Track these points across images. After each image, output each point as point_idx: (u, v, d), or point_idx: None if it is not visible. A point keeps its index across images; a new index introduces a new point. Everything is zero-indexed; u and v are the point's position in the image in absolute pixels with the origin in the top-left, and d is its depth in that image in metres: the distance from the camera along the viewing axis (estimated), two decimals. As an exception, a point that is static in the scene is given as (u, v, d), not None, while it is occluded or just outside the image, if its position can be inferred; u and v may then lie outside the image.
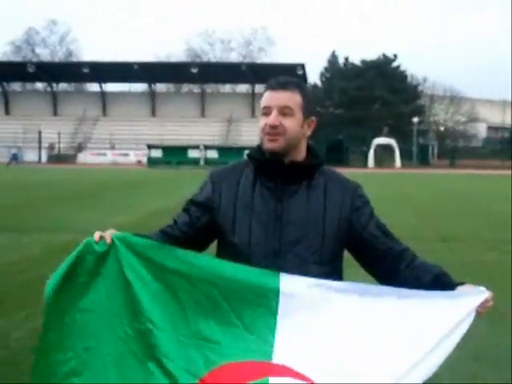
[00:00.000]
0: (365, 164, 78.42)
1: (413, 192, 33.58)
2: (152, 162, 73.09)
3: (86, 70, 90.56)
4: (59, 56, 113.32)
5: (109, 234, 2.96)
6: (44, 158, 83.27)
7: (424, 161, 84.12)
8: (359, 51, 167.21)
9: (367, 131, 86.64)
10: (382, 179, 47.44)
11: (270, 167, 3.15)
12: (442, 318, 2.91)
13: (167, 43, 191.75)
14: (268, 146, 3.13)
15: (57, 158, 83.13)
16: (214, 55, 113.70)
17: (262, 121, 3.15)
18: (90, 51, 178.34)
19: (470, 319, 2.94)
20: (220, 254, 3.21)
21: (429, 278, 3.07)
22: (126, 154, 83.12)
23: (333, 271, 3.14)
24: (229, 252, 3.13)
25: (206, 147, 76.01)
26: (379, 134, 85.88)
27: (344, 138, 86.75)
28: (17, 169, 62.26)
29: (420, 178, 51.94)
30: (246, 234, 3.11)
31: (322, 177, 3.21)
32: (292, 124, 3.12)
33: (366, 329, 2.87)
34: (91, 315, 2.88)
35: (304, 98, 3.17)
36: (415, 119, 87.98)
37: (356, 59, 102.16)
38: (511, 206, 22.95)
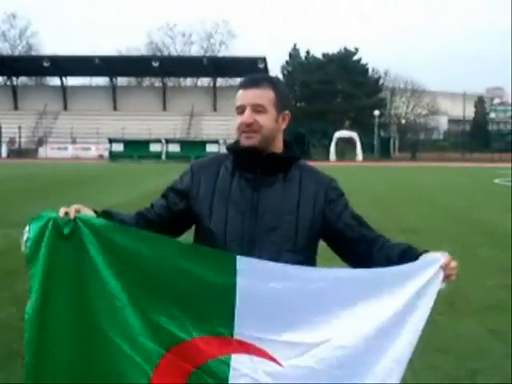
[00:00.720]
0: (326, 157, 78.54)
1: (373, 185, 33.80)
2: (113, 156, 72.60)
3: (46, 64, 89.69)
4: (19, 50, 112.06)
5: (73, 210, 2.99)
6: (4, 153, 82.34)
7: (385, 154, 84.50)
8: (320, 44, 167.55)
9: (329, 124, 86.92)
10: (343, 172, 47.44)
11: (247, 159, 3.24)
12: (399, 288, 2.98)
13: (128, 37, 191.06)
14: (245, 143, 3.22)
15: (17, 152, 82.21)
16: (175, 49, 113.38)
17: (237, 119, 3.23)
18: (51, 45, 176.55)
19: (434, 288, 3.00)
20: (196, 241, 3.31)
21: (396, 254, 3.14)
22: (88, 148, 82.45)
23: (307, 260, 3.22)
24: (205, 239, 3.21)
25: (168, 141, 75.64)
26: (341, 128, 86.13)
27: (306, 131, 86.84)
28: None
29: (381, 170, 52.30)
30: (222, 222, 3.20)
31: (298, 170, 3.32)
32: (266, 120, 3.21)
33: (323, 304, 2.95)
34: (59, 292, 2.92)
35: (277, 94, 3.26)
36: (376, 112, 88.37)
37: (317, 52, 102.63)
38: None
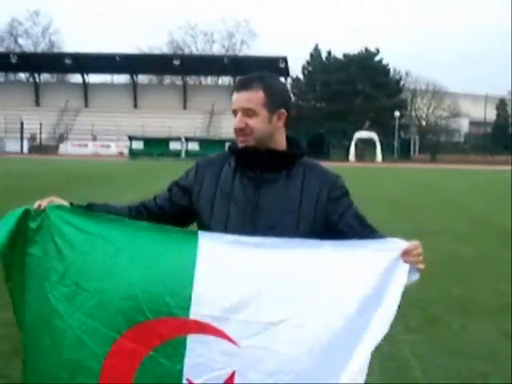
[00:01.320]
0: (346, 158, 78.33)
1: (392, 186, 33.68)
2: (133, 153, 72.71)
3: (68, 61, 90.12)
4: (42, 47, 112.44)
5: (46, 202, 3.12)
6: (26, 149, 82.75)
7: (405, 155, 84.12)
8: (342, 45, 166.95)
9: (349, 125, 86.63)
10: (362, 173, 47.50)
11: (248, 157, 3.24)
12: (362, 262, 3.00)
13: (150, 35, 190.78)
14: (240, 145, 3.24)
15: (38, 148, 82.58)
16: (197, 47, 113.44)
17: (234, 122, 3.26)
18: (73, 42, 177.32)
19: (401, 275, 3.00)
20: None
21: None
22: (108, 146, 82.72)
23: None
24: None
25: (188, 139, 75.66)
26: (361, 128, 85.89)
27: (325, 131, 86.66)
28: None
29: (400, 172, 52.08)
30: (223, 219, 3.20)
31: (302, 167, 3.29)
32: (257, 123, 3.20)
33: (283, 281, 2.94)
34: (28, 278, 3.06)
35: (267, 94, 3.22)
36: (397, 113, 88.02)
37: (338, 53, 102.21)
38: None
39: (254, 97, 3.20)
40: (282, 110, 3.29)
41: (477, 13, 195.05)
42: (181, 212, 3.33)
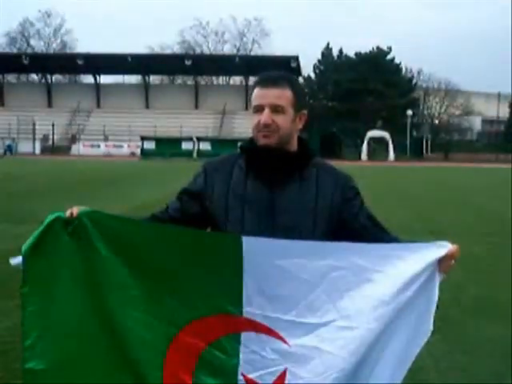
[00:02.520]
0: (358, 157, 78.38)
1: (404, 185, 33.65)
2: (145, 153, 72.98)
3: (80, 62, 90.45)
4: (54, 48, 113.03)
5: (76, 209, 3.03)
6: (38, 150, 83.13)
7: (418, 154, 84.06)
8: (353, 43, 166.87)
9: (361, 124, 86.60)
10: (374, 172, 47.47)
11: (261, 159, 3.19)
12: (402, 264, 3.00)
13: (161, 35, 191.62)
14: (262, 142, 3.17)
15: (51, 149, 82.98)
16: (208, 47, 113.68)
17: (255, 118, 3.18)
18: (84, 43, 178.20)
19: (435, 276, 3.03)
20: None
21: None
22: (120, 146, 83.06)
23: None
24: None
25: (199, 139, 75.89)
26: (373, 127, 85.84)
27: (337, 130, 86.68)
28: (11, 160, 62.21)
29: (413, 171, 52.00)
30: (238, 224, 3.16)
31: (314, 168, 3.26)
32: (284, 121, 3.15)
33: (330, 281, 2.97)
34: (70, 286, 3.00)
35: (294, 93, 3.20)
36: (409, 112, 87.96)
37: (350, 51, 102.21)
38: (510, 200, 23.02)
39: (284, 94, 3.17)
40: (304, 112, 3.29)
41: (489, 11, 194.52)
42: (195, 219, 3.27)
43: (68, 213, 3.00)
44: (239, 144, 3.37)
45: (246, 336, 2.99)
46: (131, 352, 3.00)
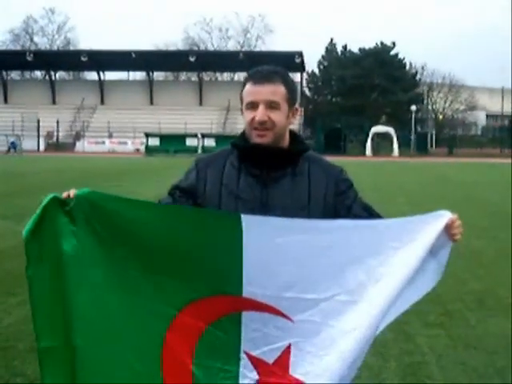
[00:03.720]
0: (363, 152, 78.34)
1: (408, 180, 33.62)
2: (150, 150, 73.01)
3: (84, 59, 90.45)
4: (57, 44, 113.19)
5: (73, 190, 2.98)
6: (42, 147, 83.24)
7: (422, 149, 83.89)
8: (357, 39, 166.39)
9: (365, 120, 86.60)
10: (379, 167, 47.49)
11: (254, 154, 3.18)
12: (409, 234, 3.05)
13: (165, 32, 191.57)
14: (257, 140, 3.15)
15: (55, 146, 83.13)
16: (212, 43, 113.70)
17: (249, 115, 3.15)
18: (88, 40, 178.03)
19: (444, 244, 3.10)
20: None
21: None
22: (124, 143, 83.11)
23: None
24: None
25: (204, 135, 75.89)
26: (377, 123, 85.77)
27: (342, 126, 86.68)
28: (15, 157, 62.32)
29: (417, 166, 51.95)
30: None
31: (307, 163, 3.25)
32: (279, 117, 3.14)
33: (331, 257, 2.99)
34: (71, 262, 2.96)
35: (288, 89, 3.19)
36: (413, 107, 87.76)
37: (354, 47, 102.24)
38: (511, 195, 23.00)
39: (278, 90, 3.15)
40: (297, 107, 3.29)
41: (493, 6, 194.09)
42: None
43: (65, 194, 2.96)
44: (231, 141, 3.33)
45: (246, 315, 2.99)
46: (131, 333, 3.00)
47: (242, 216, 2.95)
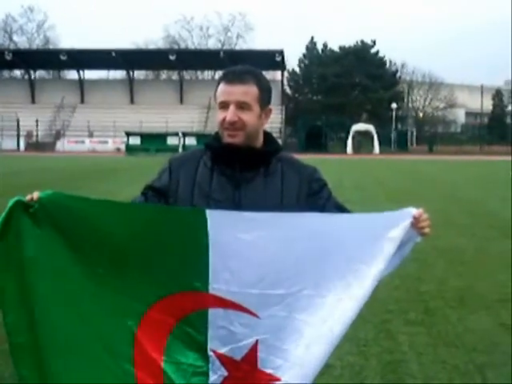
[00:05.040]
0: (343, 150, 78.49)
1: (389, 178, 33.71)
2: (130, 149, 72.70)
3: (63, 58, 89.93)
4: (37, 43, 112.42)
5: (37, 193, 2.98)
6: (22, 146, 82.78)
7: (402, 147, 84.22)
8: (337, 37, 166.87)
9: (346, 118, 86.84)
10: (359, 165, 47.58)
11: (226, 155, 3.18)
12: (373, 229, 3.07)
13: (145, 30, 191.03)
14: (228, 140, 3.16)
15: (35, 146, 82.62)
16: (193, 42, 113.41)
17: (221, 115, 3.16)
18: (68, 38, 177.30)
19: (408, 240, 3.11)
20: None
21: None
22: (105, 142, 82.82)
23: None
24: None
25: (185, 134, 75.69)
26: (358, 121, 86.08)
27: (323, 124, 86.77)
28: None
29: (398, 163, 52.10)
30: None
31: (280, 163, 3.25)
32: (250, 118, 3.14)
33: (294, 252, 3.01)
34: (36, 267, 2.95)
35: (260, 89, 3.19)
36: (394, 105, 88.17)
37: (334, 45, 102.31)
38: None
39: (249, 91, 3.15)
40: (270, 107, 3.29)
41: (472, 4, 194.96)
42: None
43: (29, 197, 2.95)
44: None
45: (213, 312, 3.01)
46: (101, 331, 3.01)
47: (207, 211, 2.97)
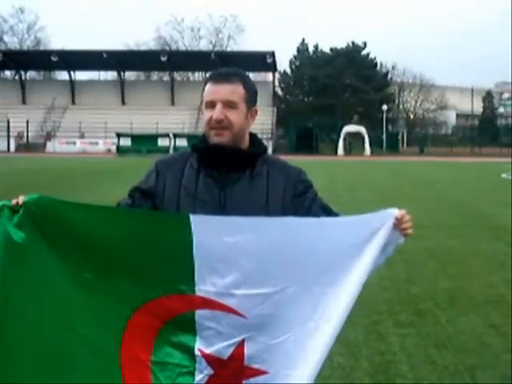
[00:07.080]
0: (334, 152, 78.54)
1: (380, 179, 33.75)
2: (121, 150, 72.63)
3: (54, 59, 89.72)
4: (27, 44, 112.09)
5: (22, 197, 2.98)
6: (13, 147, 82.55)
7: (393, 148, 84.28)
8: (329, 39, 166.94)
9: (337, 119, 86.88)
10: (350, 167, 47.63)
11: (213, 156, 3.20)
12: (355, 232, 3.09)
13: (136, 31, 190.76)
14: (214, 140, 3.17)
15: (25, 147, 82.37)
16: (184, 43, 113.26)
17: (207, 114, 3.19)
18: (59, 39, 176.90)
19: (390, 241, 3.12)
20: None
21: None
22: (95, 143, 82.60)
23: None
24: None
25: (176, 135, 75.59)
26: (349, 122, 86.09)
27: (314, 126, 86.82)
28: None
29: (389, 165, 52.14)
30: None
31: (265, 165, 3.27)
32: (237, 117, 3.17)
33: (278, 253, 3.03)
34: (22, 273, 2.94)
35: (246, 90, 3.22)
36: (385, 107, 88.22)
37: (326, 47, 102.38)
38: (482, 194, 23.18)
39: (236, 90, 3.18)
40: (256, 108, 3.32)
41: (463, 6, 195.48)
42: None
43: (14, 201, 2.95)
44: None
45: (200, 313, 3.05)
46: (88, 335, 3.01)
47: (191, 216, 2.99)
